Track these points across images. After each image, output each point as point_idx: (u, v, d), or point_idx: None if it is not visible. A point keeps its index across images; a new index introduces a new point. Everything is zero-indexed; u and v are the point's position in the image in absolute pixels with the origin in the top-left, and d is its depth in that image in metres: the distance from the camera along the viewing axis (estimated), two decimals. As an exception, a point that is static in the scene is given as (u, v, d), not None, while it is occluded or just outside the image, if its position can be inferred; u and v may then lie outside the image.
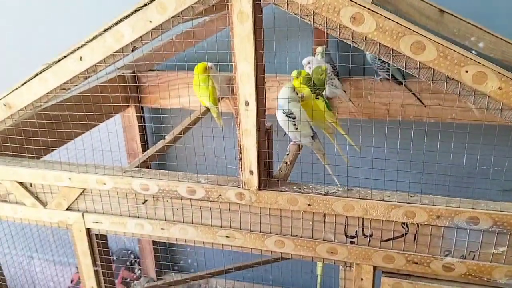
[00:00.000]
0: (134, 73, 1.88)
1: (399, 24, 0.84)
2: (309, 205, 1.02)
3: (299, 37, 1.67)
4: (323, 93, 1.48)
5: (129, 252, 2.30)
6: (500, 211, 0.92)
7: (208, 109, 1.70)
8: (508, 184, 1.64)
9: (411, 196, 0.98)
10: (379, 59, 1.59)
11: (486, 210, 0.92)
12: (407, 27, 0.84)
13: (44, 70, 1.08)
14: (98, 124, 1.49)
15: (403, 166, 1.06)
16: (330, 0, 0.85)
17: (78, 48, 1.04)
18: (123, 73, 1.84)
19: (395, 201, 0.97)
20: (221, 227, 1.11)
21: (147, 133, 2.08)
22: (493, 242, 0.94)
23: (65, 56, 1.05)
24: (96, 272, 1.25)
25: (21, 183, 1.21)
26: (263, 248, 1.09)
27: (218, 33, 1.76)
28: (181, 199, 1.11)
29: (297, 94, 1.26)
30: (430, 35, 0.83)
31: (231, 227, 1.10)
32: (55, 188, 1.19)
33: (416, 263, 1.00)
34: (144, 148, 2.02)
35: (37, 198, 1.22)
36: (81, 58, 1.04)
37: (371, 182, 1.00)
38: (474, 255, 0.96)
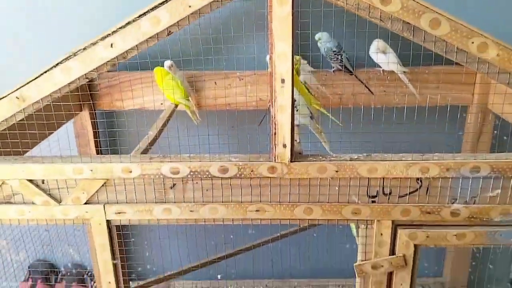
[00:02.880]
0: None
1: (420, 3, 1.00)
2: (336, 171, 1.13)
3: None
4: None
5: (80, 267, 2.21)
6: (495, 159, 1.11)
7: (175, 107, 1.73)
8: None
9: (422, 155, 1.14)
10: (333, 51, 1.76)
11: (485, 159, 1.11)
12: (426, 6, 1.00)
13: (67, 59, 1.07)
14: (52, 132, 1.46)
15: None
16: (361, -16, 0.98)
17: (109, 35, 1.05)
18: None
19: (412, 160, 1.12)
20: (251, 202, 1.17)
21: (100, 139, 2.03)
22: (490, 186, 1.14)
23: (93, 44, 1.05)
24: (114, 265, 1.23)
25: (31, 181, 1.16)
26: (292, 217, 1.18)
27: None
28: (212, 179, 1.15)
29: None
30: (445, 13, 1.00)
31: (261, 201, 1.17)
32: (73, 183, 1.16)
33: (429, 213, 1.16)
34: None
35: (50, 195, 1.17)
36: (112, 45, 1.05)
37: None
38: (475, 200, 1.15)
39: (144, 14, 1.03)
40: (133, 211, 1.18)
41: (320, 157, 1.15)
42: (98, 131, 1.98)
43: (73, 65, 1.07)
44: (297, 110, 1.33)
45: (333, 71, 1.81)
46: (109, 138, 2.00)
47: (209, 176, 1.14)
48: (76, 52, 1.06)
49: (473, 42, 1.02)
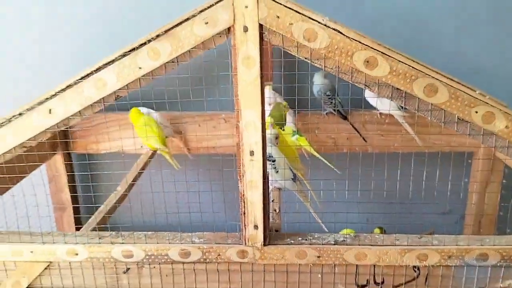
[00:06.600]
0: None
1: (412, 67, 0.83)
2: (318, 257, 0.96)
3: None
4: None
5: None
6: (506, 244, 0.93)
7: (154, 152, 1.57)
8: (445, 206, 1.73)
9: (420, 238, 0.97)
10: (327, 94, 1.60)
11: (494, 245, 0.93)
12: (420, 70, 0.84)
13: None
14: (23, 176, 1.30)
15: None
16: (343, 44, 0.82)
17: (47, 99, 0.89)
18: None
19: (407, 245, 0.95)
20: (218, 290, 1.00)
21: (77, 183, 1.87)
22: (500, 276, 0.96)
23: (29, 109, 0.90)
24: None
25: (-37, 263, 1.00)
26: (267, 308, 1.00)
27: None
28: (172, 263, 0.98)
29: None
30: (442, 78, 0.84)
31: (230, 289, 1.00)
32: (11, 265, 1.00)
33: (428, 306, 0.98)
34: (75, 200, 1.82)
35: (-14, 279, 1.01)
36: (50, 111, 0.89)
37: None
38: (483, 291, 0.97)
39: (87, 75, 0.87)
40: (81, 299, 1.01)
41: (300, 239, 0.97)
42: (74, 175, 1.82)
43: (5, 134, 0.92)
44: (276, 172, 1.17)
45: (326, 113, 1.66)
46: (85, 183, 1.85)
47: (169, 260, 0.97)
48: (10, 118, 0.91)
49: (477, 112, 0.85)
